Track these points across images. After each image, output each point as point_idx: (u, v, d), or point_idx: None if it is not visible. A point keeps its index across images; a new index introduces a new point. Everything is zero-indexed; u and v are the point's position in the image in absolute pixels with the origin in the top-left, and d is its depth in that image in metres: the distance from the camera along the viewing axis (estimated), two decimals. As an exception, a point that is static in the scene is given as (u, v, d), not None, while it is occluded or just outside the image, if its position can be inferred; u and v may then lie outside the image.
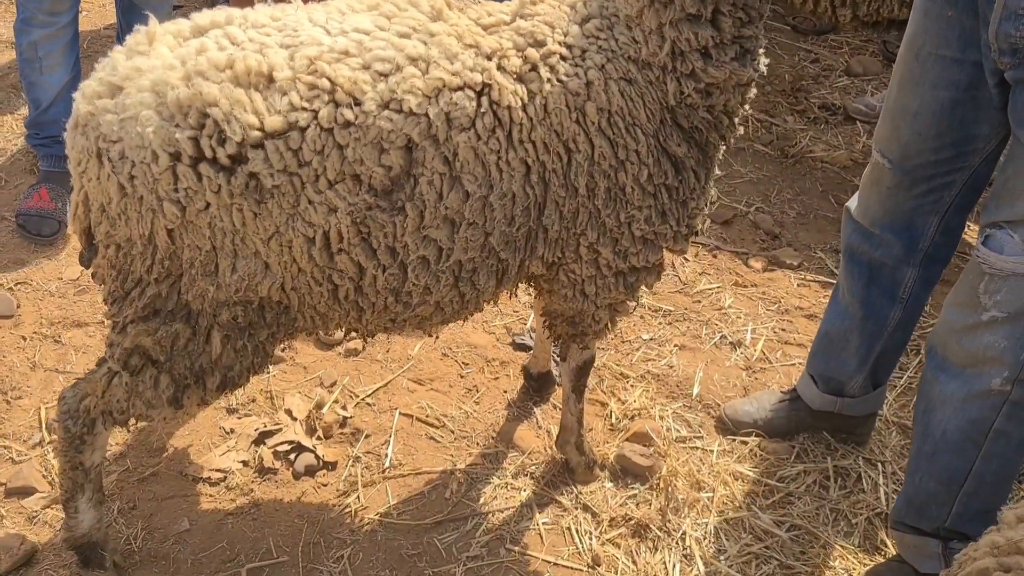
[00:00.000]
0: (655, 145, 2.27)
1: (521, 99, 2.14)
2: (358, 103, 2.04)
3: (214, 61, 2.01)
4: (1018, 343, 2.28)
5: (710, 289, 3.85)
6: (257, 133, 1.99)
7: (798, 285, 3.91)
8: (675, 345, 3.56)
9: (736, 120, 2.37)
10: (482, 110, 2.11)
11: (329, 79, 2.03)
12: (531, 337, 3.47)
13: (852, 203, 2.93)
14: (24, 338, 3.30)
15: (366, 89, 2.04)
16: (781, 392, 3.25)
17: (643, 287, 2.58)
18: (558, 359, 3.00)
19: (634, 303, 2.61)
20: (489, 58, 2.15)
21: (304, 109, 2.01)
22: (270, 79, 2.02)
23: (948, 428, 2.44)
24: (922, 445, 2.53)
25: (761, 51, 2.28)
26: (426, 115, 2.07)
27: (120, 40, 4.11)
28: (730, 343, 3.60)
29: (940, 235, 2.75)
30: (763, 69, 2.30)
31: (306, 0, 2.26)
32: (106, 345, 2.27)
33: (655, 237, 2.41)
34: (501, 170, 2.16)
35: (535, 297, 2.81)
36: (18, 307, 3.42)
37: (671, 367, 3.46)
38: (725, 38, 2.16)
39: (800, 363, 3.48)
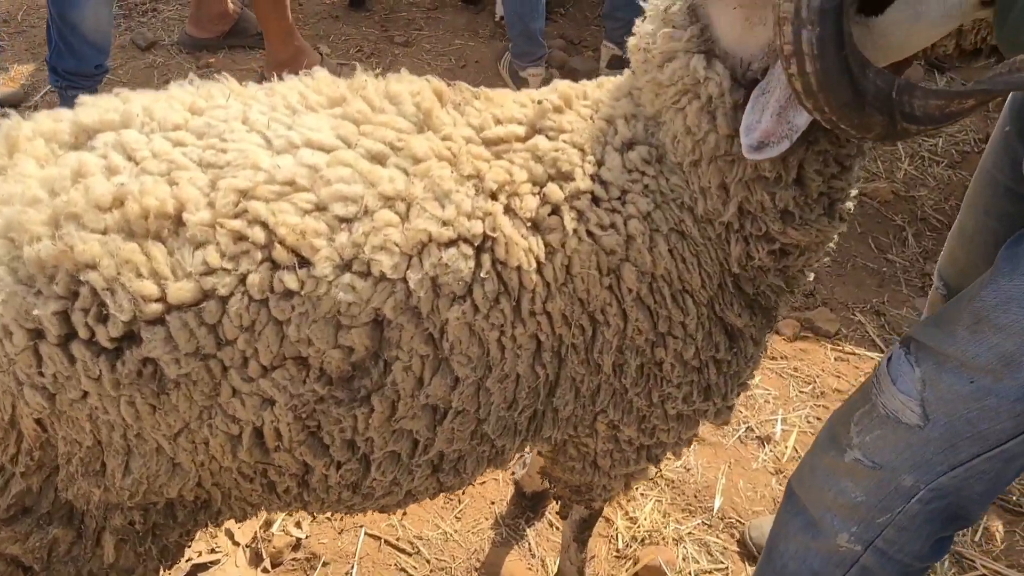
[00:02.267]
0: (708, 316, 1.67)
1: (536, 258, 1.53)
2: (306, 263, 1.42)
3: (96, 198, 1.38)
4: (879, 504, 1.76)
5: (735, 364, 3.28)
6: (156, 306, 1.37)
7: (835, 359, 3.35)
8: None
9: (815, 268, 1.78)
10: (482, 273, 1.49)
11: (265, 226, 1.40)
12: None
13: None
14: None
15: (319, 244, 1.42)
16: None
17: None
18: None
19: (656, 470, 2.04)
20: (494, 196, 1.52)
21: (226, 271, 1.39)
22: (178, 223, 1.40)
23: (788, 567, 1.93)
24: (764, 569, 2.02)
25: (854, 191, 1.67)
26: (404, 281, 1.45)
27: (50, 33, 3.46)
28: (757, 437, 3.05)
29: None
30: (851, 206, 1.70)
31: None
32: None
33: (694, 414, 1.83)
34: (504, 347, 1.56)
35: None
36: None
37: (688, 470, 2.90)
38: (811, 196, 1.56)
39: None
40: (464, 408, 1.59)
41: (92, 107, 1.51)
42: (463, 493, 2.73)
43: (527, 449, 1.80)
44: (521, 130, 1.58)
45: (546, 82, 4.32)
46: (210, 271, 1.39)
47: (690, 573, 2.62)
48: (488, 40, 4.74)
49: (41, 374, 1.40)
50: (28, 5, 4.56)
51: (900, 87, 1.38)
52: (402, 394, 1.53)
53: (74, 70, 3.51)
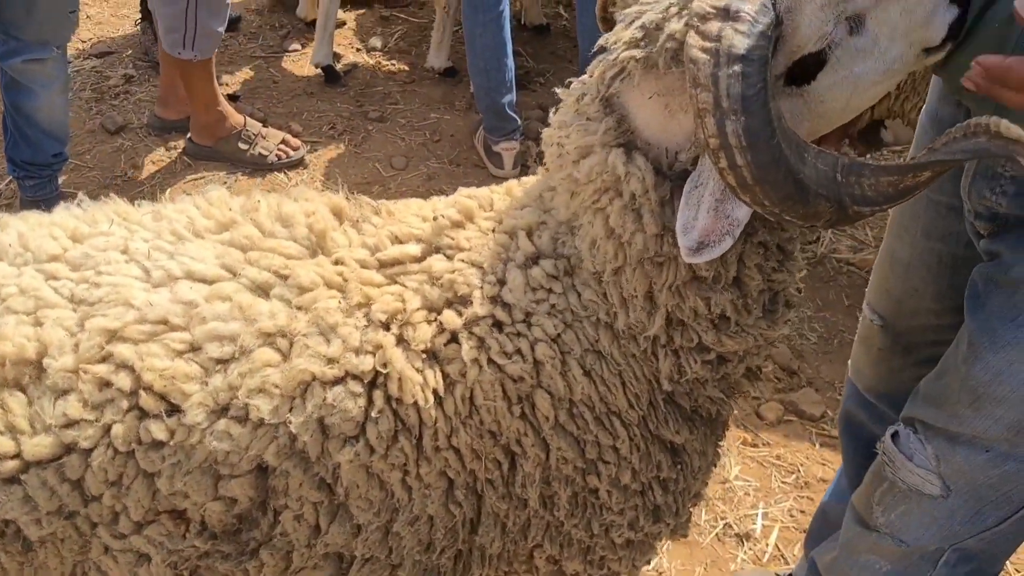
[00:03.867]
0: (643, 435, 1.53)
1: (435, 391, 1.40)
2: (175, 411, 1.30)
3: (-54, 343, 1.27)
4: (905, 572, 1.79)
5: (713, 453, 3.12)
6: (11, 463, 1.26)
7: (821, 445, 3.18)
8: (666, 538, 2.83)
9: (762, 375, 1.64)
10: (375, 411, 1.37)
11: (132, 371, 1.29)
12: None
13: (850, 363, 2.31)
14: None
15: (190, 389, 1.30)
16: None
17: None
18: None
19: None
20: (386, 326, 1.40)
21: (88, 422, 1.28)
22: (39, 370, 1.28)
23: None
24: None
25: (798, 289, 1.54)
26: (286, 425, 1.33)
27: (6, 125, 3.42)
28: (736, 535, 2.87)
29: None
30: (794, 316, 1.56)
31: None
32: None
33: (646, 538, 1.68)
34: (410, 488, 1.43)
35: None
36: None
37: (660, 573, 2.74)
38: (750, 297, 1.42)
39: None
40: (373, 555, 1.46)
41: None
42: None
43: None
44: (417, 249, 1.46)
45: (522, 155, 4.28)
46: (71, 423, 1.27)
47: None
48: (464, 113, 4.68)
49: None
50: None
51: (844, 168, 1.25)
52: (297, 544, 1.40)
53: (31, 160, 3.45)
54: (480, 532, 1.54)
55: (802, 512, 2.96)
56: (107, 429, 1.28)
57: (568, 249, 1.44)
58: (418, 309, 1.41)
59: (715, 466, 1.80)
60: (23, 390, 1.28)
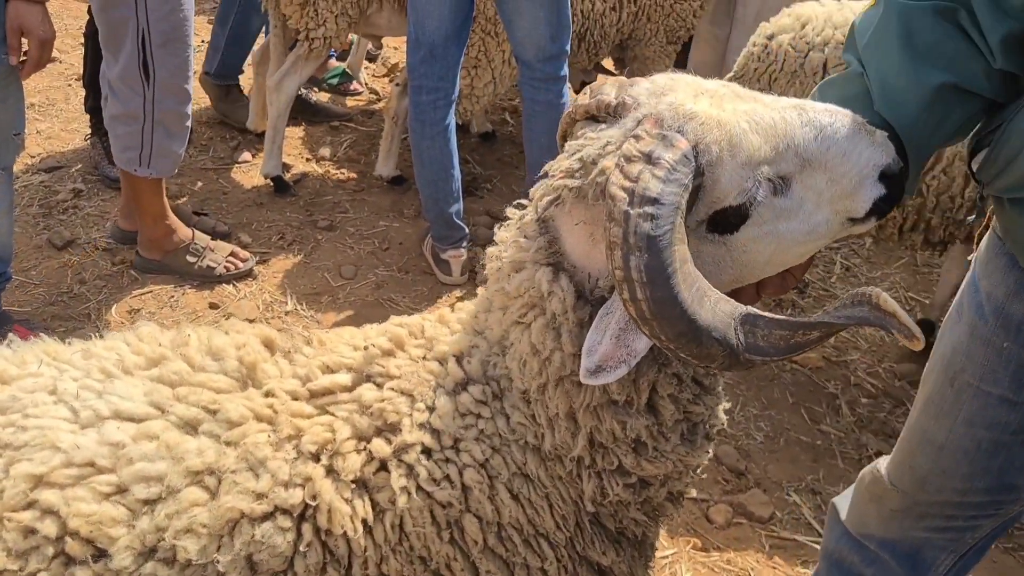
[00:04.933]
0: (570, 555, 1.55)
1: (364, 520, 1.41)
2: (102, 555, 1.29)
3: None
4: None
5: (663, 559, 3.11)
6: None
7: (770, 547, 3.19)
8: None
9: (684, 496, 1.67)
10: (303, 545, 1.37)
11: (58, 517, 1.28)
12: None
13: (840, 503, 2.27)
14: None
15: (116, 533, 1.30)
16: None
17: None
18: None
19: None
20: (316, 458, 1.41)
21: (11, 572, 1.26)
22: (-39, 518, 1.27)
23: None
24: None
25: (720, 417, 1.59)
26: (214, 564, 1.32)
27: None
28: (688, 646, 2.86)
29: (953, 573, 2.09)
30: (722, 425, 1.61)
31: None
32: None
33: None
34: (340, 621, 1.42)
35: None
36: None
37: None
38: (666, 424, 1.46)
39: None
40: None
41: None
42: None
43: None
44: (348, 378, 1.49)
45: (469, 262, 4.33)
46: (-8, 572, 1.26)
47: None
48: (412, 220, 4.75)
49: None
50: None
51: (743, 318, 1.31)
52: None
53: None
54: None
55: (754, 620, 2.95)
56: (30, 577, 1.27)
57: (499, 371, 1.48)
58: (348, 439, 1.43)
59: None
60: (-58, 540, 1.27)
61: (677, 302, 1.24)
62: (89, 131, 4.94)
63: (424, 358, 1.52)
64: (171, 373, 1.45)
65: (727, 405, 1.63)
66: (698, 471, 1.63)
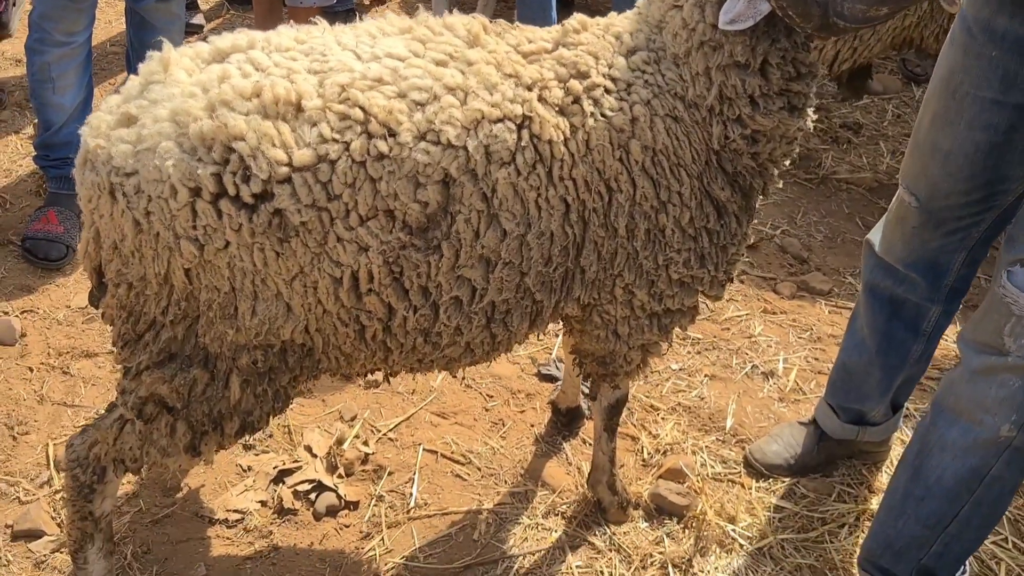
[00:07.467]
0: (699, 188, 2.15)
1: (563, 133, 2.02)
2: (393, 134, 1.91)
3: (239, 89, 1.88)
4: None
5: (739, 316, 3.72)
6: (285, 169, 1.86)
7: (829, 312, 3.78)
8: (705, 375, 3.42)
9: (778, 171, 2.26)
10: (523, 144, 1.99)
11: (362, 108, 1.90)
12: (557, 367, 3.34)
13: (874, 236, 2.81)
14: (31, 369, 3.17)
15: (402, 119, 1.91)
16: (800, 424, 3.13)
17: (677, 328, 2.46)
18: (587, 394, 2.86)
19: (667, 344, 2.48)
20: (530, 88, 2.02)
21: (335, 141, 1.88)
22: (299, 108, 1.89)
23: (944, 475, 2.33)
24: (912, 488, 2.42)
25: (811, 108, 2.17)
26: (464, 148, 1.94)
27: (129, 58, 3.99)
28: (762, 373, 3.47)
29: (965, 267, 2.67)
30: (810, 126, 2.20)
31: (332, 22, 2.13)
32: (117, 391, 2.14)
33: (692, 281, 2.29)
34: (540, 208, 2.03)
35: (564, 334, 2.68)
36: (24, 336, 3.29)
37: (702, 399, 3.32)
38: (772, 89, 2.07)
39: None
40: (510, 260, 2.05)
41: (224, 37, 2.03)
42: (507, 418, 3.16)
43: (563, 308, 2.25)
44: (549, 44, 2.09)
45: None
46: (323, 141, 1.88)
47: (707, 475, 3.01)
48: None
49: (195, 227, 1.89)
50: None
51: None
52: (463, 243, 2.00)
53: None
54: (583, 255, 2.14)
55: (816, 359, 3.55)
56: (347, 146, 1.88)
57: (657, 44, 2.09)
58: (552, 79, 2.04)
59: (747, 241, 2.41)
60: (288, 122, 1.88)
61: None
62: None
63: (603, 37, 2.12)
64: (420, 35, 2.06)
65: (814, 116, 2.21)
66: (795, 143, 2.21)
